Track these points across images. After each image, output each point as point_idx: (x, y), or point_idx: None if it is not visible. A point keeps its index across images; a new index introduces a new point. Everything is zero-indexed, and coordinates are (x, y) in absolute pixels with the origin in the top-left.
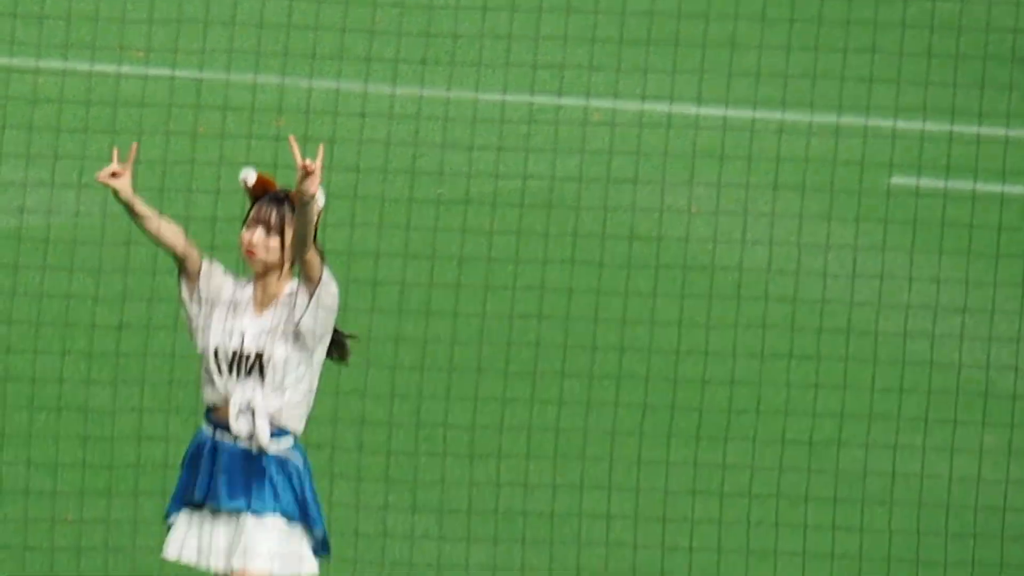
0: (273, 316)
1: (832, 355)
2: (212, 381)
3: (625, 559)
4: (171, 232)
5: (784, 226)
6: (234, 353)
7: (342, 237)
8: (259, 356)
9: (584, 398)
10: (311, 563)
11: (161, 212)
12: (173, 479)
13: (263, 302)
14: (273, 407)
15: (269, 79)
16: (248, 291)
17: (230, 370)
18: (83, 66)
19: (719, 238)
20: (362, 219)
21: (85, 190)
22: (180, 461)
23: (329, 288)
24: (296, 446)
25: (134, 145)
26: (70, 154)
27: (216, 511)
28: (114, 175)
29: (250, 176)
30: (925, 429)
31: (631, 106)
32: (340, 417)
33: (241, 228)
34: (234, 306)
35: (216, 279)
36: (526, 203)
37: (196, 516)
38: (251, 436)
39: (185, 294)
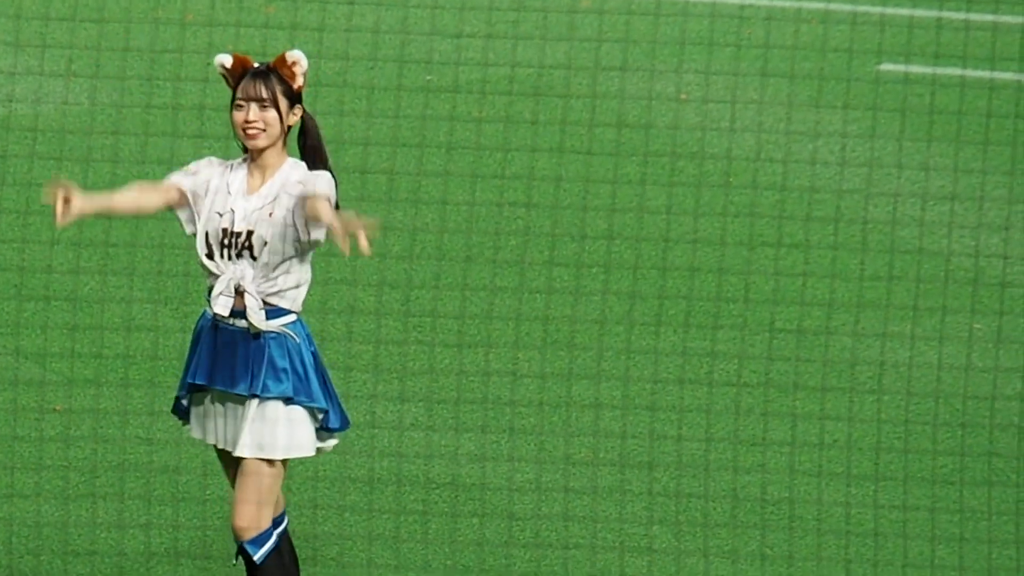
0: (267, 194)
1: (821, 243)
2: (205, 264)
3: (614, 448)
4: (145, 200)
5: (773, 113)
6: (224, 231)
7: (330, 125)
8: (249, 235)
9: (573, 286)
10: (322, 442)
11: (143, 177)
12: (162, 369)
13: (257, 180)
14: (264, 288)
15: None
16: (241, 172)
17: (221, 251)
18: None
19: (708, 126)
20: (351, 107)
21: (74, 79)
22: (187, 346)
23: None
24: (296, 323)
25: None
26: (59, 42)
27: (223, 395)
28: (66, 202)
29: (226, 59)
30: (914, 317)
31: None
32: (329, 307)
33: (230, 112)
34: (226, 188)
35: (201, 177)
36: (515, 91)
37: (207, 399)
38: (238, 316)
39: (187, 224)
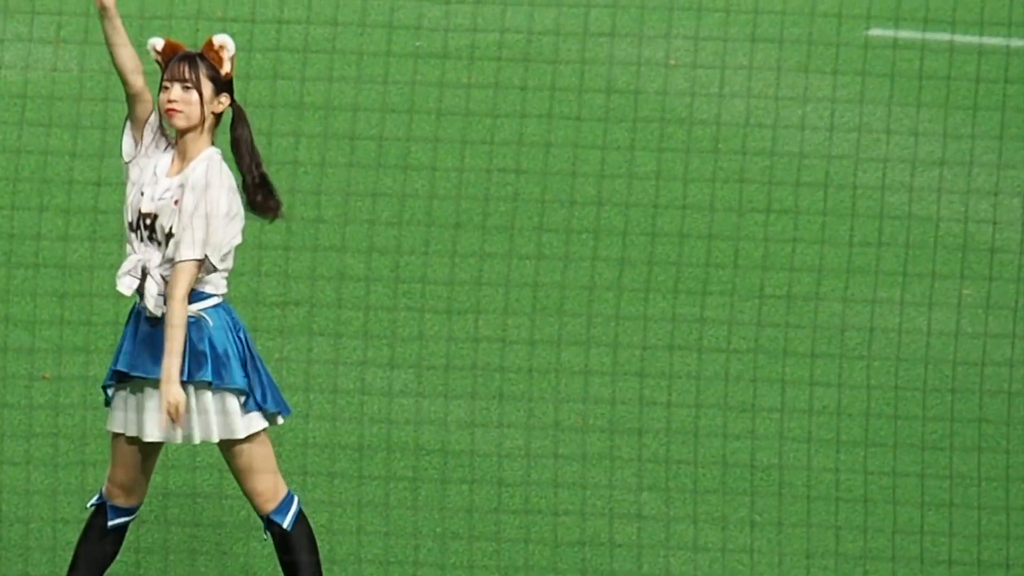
0: (179, 181)
1: (810, 209)
2: (127, 236)
3: (603, 415)
4: (133, 58)
5: (762, 79)
6: (139, 212)
7: (320, 91)
8: (155, 219)
9: (562, 252)
10: (249, 425)
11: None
12: None
13: (177, 165)
14: (169, 273)
15: None
16: (169, 155)
17: (136, 231)
18: None
19: (697, 91)
20: (340, 73)
21: (63, 45)
22: None
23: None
24: (218, 307)
25: None
26: (47, 9)
27: (143, 381)
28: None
29: (158, 43)
30: (903, 283)
31: None
32: (318, 273)
33: (157, 94)
34: (153, 168)
35: (156, 136)
36: (504, 56)
37: (128, 387)
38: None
39: (127, 144)
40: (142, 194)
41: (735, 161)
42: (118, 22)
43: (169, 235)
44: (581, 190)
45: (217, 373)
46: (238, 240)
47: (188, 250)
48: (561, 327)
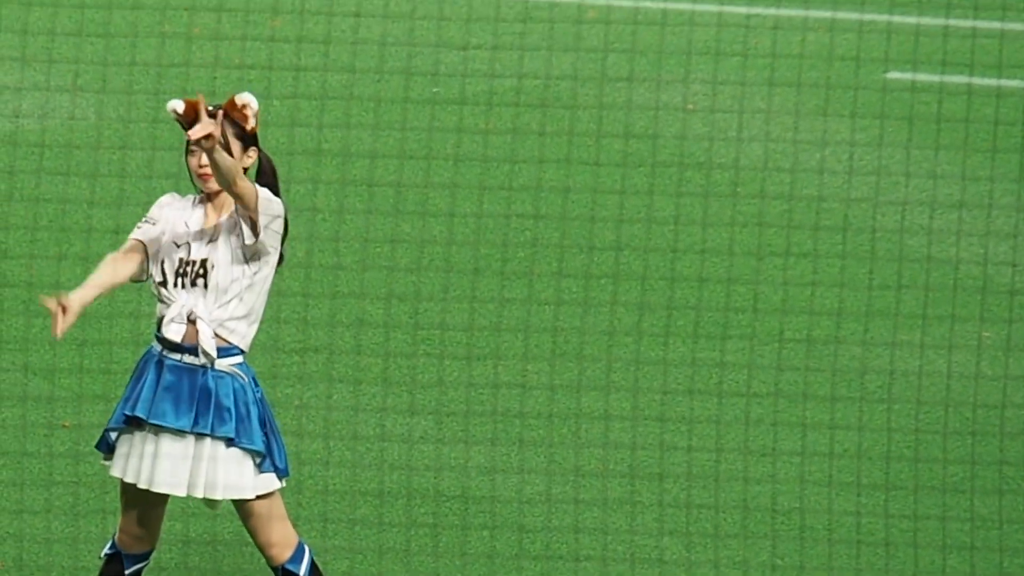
0: (221, 225)
1: (830, 252)
2: (160, 294)
3: (623, 460)
4: (120, 274)
5: (780, 123)
6: (180, 260)
7: (338, 138)
8: (203, 263)
9: (582, 297)
10: (258, 485)
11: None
12: None
13: (213, 217)
14: (216, 316)
15: None
16: (200, 209)
17: (175, 280)
18: None
19: (715, 135)
20: (358, 120)
21: (80, 94)
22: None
23: (270, 208)
24: (243, 365)
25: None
26: (65, 57)
27: (159, 429)
28: (63, 311)
29: (178, 105)
30: (923, 326)
31: (626, 3)
32: (338, 320)
33: (184, 156)
34: (184, 223)
35: (159, 226)
36: (522, 102)
37: (139, 435)
38: (190, 345)
39: (155, 274)
40: (177, 245)
41: (754, 205)
42: (101, 287)
43: (216, 267)
44: (600, 235)
45: (238, 432)
46: (278, 246)
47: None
48: (581, 372)
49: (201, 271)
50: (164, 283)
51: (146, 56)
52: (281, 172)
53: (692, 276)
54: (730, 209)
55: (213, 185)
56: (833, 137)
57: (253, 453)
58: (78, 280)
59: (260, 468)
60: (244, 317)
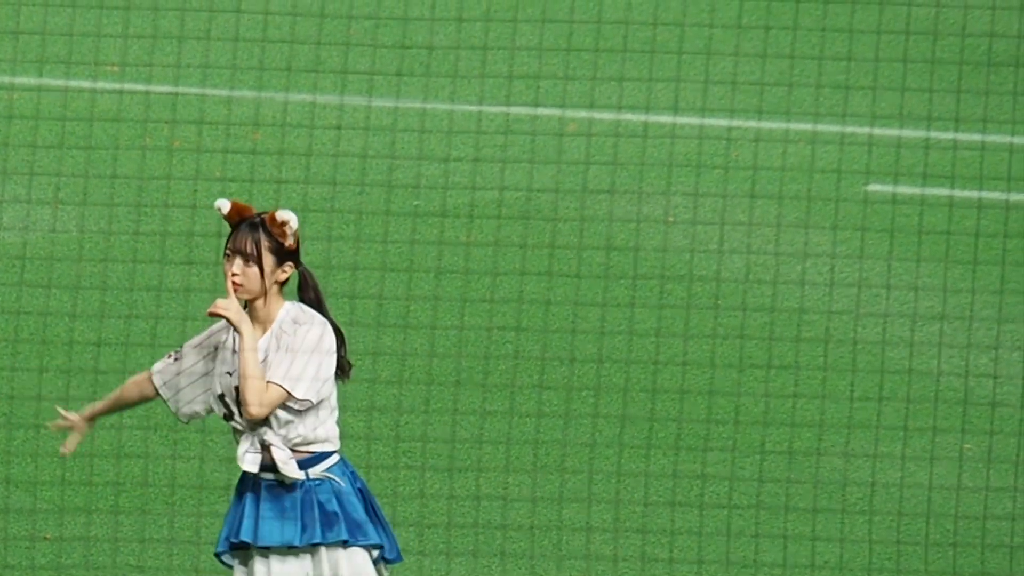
0: (264, 347)
1: (811, 364)
2: (230, 425)
3: (605, 572)
4: (125, 397)
5: (761, 235)
6: (236, 388)
7: (319, 250)
8: None
9: (563, 410)
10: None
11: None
12: (152, 496)
13: (257, 327)
14: (288, 436)
15: (245, 93)
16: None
17: (238, 408)
18: (58, 82)
19: (696, 248)
20: (339, 232)
21: (61, 207)
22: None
23: (305, 374)
24: (338, 464)
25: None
26: (46, 170)
27: (266, 550)
28: (72, 428)
29: (224, 205)
30: (905, 438)
31: (607, 116)
32: None
33: (222, 258)
34: (232, 345)
35: (187, 361)
36: (503, 215)
37: (247, 558)
38: (269, 470)
39: (176, 406)
40: (230, 374)
41: (735, 317)
42: (113, 403)
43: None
44: (581, 347)
45: (351, 532)
46: (330, 375)
47: (276, 376)
48: (562, 484)
49: None
50: (229, 415)
51: (127, 169)
52: None
53: (673, 388)
54: (711, 321)
55: (243, 295)
56: (814, 249)
57: (370, 547)
58: (60, 393)
59: (375, 562)
60: (317, 427)
